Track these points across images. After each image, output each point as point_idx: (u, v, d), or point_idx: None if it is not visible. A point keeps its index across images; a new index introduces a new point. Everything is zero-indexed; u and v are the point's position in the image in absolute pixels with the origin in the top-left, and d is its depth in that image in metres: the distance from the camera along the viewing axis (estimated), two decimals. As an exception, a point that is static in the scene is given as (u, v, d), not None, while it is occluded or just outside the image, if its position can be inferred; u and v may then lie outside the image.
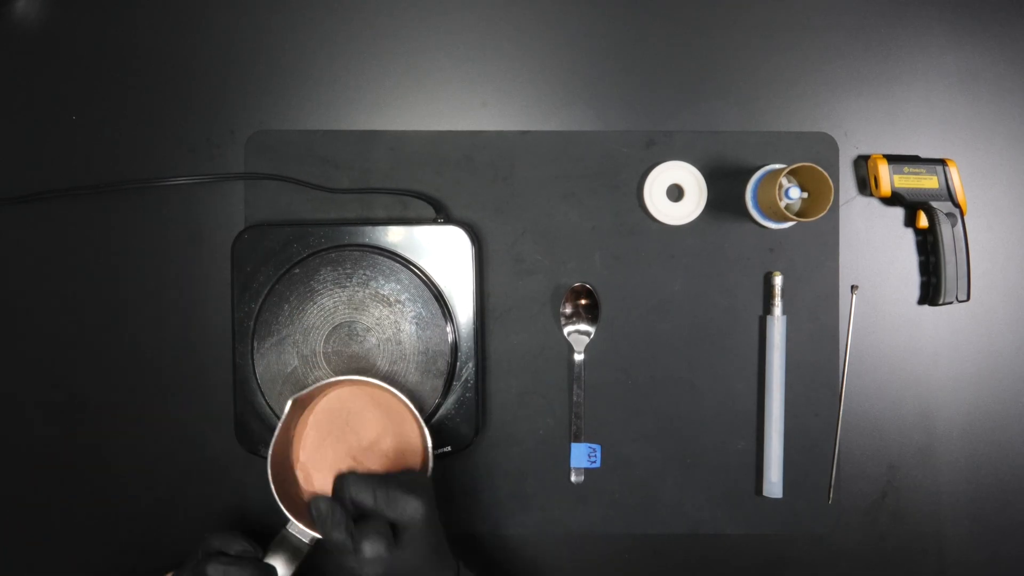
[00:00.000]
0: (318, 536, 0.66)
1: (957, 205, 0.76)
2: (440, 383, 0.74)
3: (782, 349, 0.77)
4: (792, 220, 0.73)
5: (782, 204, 0.74)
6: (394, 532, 0.62)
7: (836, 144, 0.79)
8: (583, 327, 0.78)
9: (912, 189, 0.77)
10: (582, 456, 0.78)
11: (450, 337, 0.74)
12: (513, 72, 0.80)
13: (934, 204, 0.77)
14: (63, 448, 0.79)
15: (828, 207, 0.71)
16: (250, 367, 0.74)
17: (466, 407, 0.75)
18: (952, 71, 0.80)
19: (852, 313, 0.79)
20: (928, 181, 0.77)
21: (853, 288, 0.79)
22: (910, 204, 0.77)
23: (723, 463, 0.79)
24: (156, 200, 0.79)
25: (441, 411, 0.75)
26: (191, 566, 0.66)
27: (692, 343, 0.79)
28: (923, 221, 0.77)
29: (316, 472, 0.72)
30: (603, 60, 0.80)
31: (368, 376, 0.70)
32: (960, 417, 0.80)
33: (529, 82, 0.80)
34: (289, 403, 0.68)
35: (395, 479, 0.63)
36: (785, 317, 0.78)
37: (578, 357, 0.78)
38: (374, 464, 0.71)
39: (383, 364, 0.75)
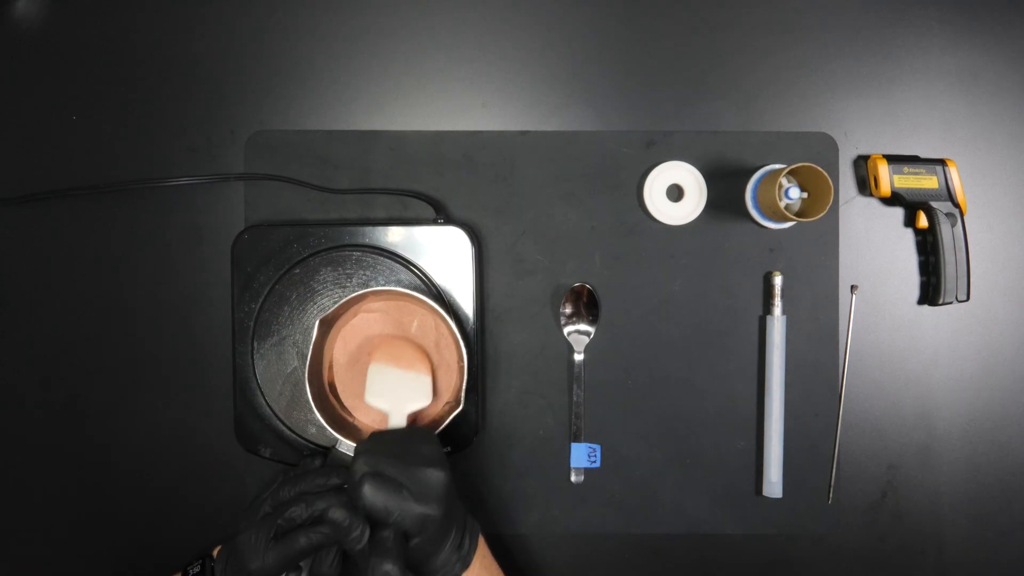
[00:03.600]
0: None
1: (957, 205, 0.76)
2: (440, 383, 0.74)
3: (782, 349, 0.77)
4: (792, 220, 0.73)
5: (782, 204, 0.74)
6: (406, 533, 0.63)
7: (836, 144, 0.79)
8: (583, 327, 0.78)
9: (912, 189, 0.77)
10: (582, 456, 0.78)
11: (450, 337, 0.74)
12: (513, 72, 0.80)
13: (934, 204, 0.77)
14: (63, 448, 0.79)
15: (828, 207, 0.71)
16: (250, 367, 0.74)
17: (466, 407, 0.75)
18: (952, 71, 0.80)
19: (852, 313, 0.79)
20: (928, 181, 0.77)
21: (853, 288, 0.79)
22: (910, 204, 0.77)
23: (723, 463, 0.79)
24: (156, 200, 0.79)
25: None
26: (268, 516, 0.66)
27: (692, 343, 0.79)
28: (923, 221, 0.77)
29: (347, 393, 0.74)
30: (603, 60, 0.80)
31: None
32: (960, 417, 0.80)
33: (529, 82, 0.80)
34: (316, 324, 0.69)
35: (409, 486, 0.62)
36: (785, 317, 0.78)
37: (578, 357, 0.78)
38: (389, 347, 0.73)
39: (383, 364, 0.75)
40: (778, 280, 0.77)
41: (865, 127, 0.80)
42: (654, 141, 0.79)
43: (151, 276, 0.79)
